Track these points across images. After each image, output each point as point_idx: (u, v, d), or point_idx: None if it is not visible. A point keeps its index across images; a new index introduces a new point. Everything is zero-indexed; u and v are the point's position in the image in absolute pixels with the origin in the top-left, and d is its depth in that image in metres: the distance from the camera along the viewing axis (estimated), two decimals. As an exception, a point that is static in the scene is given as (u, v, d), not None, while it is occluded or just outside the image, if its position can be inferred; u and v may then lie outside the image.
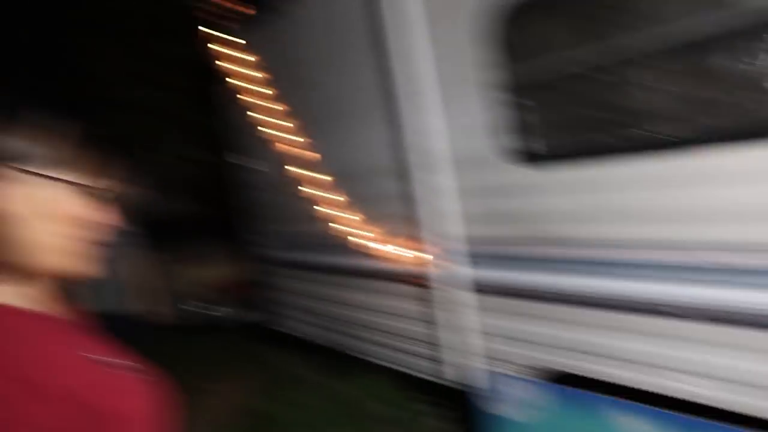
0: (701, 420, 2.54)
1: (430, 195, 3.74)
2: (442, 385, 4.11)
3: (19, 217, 1.03)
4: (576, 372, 3.18)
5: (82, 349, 1.10)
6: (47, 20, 10.80)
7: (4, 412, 0.90)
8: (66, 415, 0.96)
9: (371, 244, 4.47)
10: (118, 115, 9.44)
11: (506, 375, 3.34)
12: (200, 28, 6.12)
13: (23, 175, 1.03)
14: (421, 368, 4.24)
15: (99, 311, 4.18)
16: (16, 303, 1.04)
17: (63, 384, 0.98)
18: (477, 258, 3.68)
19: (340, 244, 4.82)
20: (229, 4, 5.70)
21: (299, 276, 5.65)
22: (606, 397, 2.87)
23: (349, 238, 4.65)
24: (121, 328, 4.31)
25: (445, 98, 3.57)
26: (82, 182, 1.08)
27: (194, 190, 10.61)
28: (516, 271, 3.44)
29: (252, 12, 5.40)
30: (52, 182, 1.05)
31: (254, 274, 6.27)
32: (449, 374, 4.01)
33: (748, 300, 2.46)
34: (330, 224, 4.88)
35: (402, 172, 3.95)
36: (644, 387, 2.89)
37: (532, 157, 3.21)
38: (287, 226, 5.59)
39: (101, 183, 1.11)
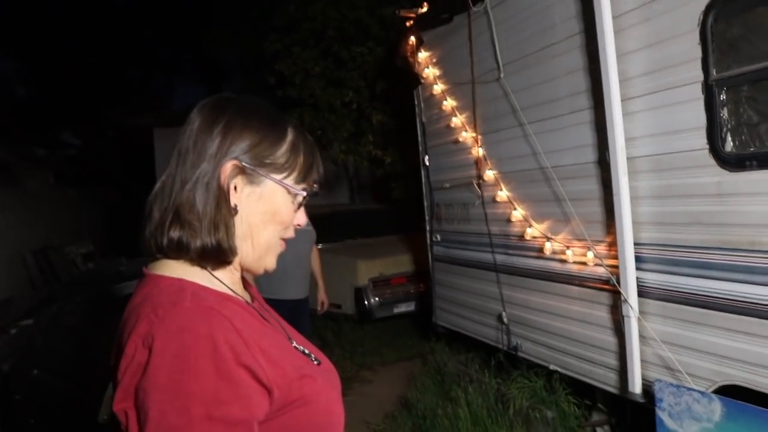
0: None
1: (618, 197, 3.59)
2: (605, 391, 3.93)
3: (254, 215, 1.16)
4: (758, 388, 2.90)
5: (288, 338, 1.22)
6: (252, 28, 11.72)
7: (231, 394, 0.96)
8: (273, 401, 1.03)
9: (537, 243, 4.40)
10: (316, 119, 10.04)
11: (673, 385, 3.13)
12: (397, 33, 6.35)
13: (266, 180, 1.16)
14: (586, 372, 4.08)
15: (282, 299, 4.52)
16: (231, 293, 1.15)
17: (281, 373, 1.06)
18: (644, 261, 3.51)
19: (512, 244, 4.77)
20: (426, 10, 5.86)
21: (459, 272, 5.68)
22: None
23: (523, 237, 4.59)
24: (296, 316, 4.58)
25: (656, 102, 3.43)
26: (296, 188, 1.20)
27: (379, 185, 10.97)
28: (694, 277, 3.22)
29: (448, 17, 5.50)
30: (281, 187, 1.18)
31: (428, 269, 6.38)
32: (611, 380, 3.83)
33: None
34: (503, 223, 4.85)
35: (600, 175, 3.85)
36: None
37: (732, 159, 3.01)
38: (462, 224, 5.63)
39: (306, 188, 1.22)
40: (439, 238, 6.09)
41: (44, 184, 14.08)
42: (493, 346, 5.15)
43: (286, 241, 1.26)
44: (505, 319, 4.88)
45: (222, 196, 1.11)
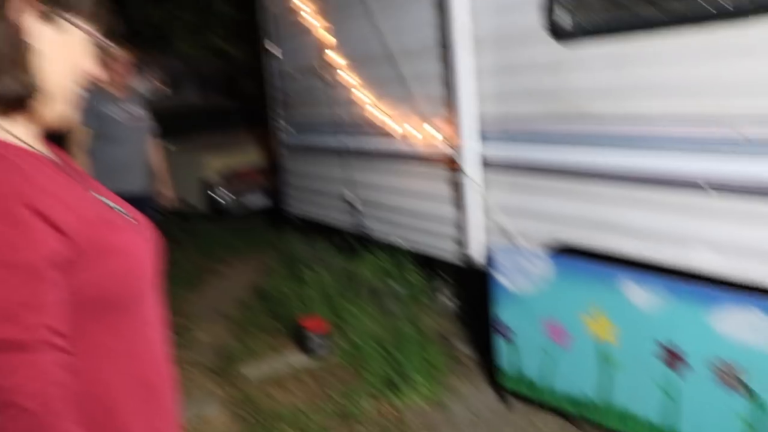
0: (702, 286, 2.53)
1: (460, 74, 3.67)
2: (452, 263, 4.14)
3: (46, 56, 1.05)
4: (582, 244, 3.18)
5: (88, 188, 1.14)
6: None
7: (16, 236, 0.88)
8: (73, 246, 0.96)
9: (385, 124, 4.45)
10: (157, 10, 9.41)
11: (511, 248, 3.35)
12: None
13: (59, 19, 1.06)
14: (431, 246, 4.27)
15: (122, 192, 4.30)
16: (23, 144, 1.05)
17: (79, 219, 0.98)
18: (488, 134, 3.65)
19: (359, 127, 4.80)
20: None
21: (314, 159, 5.68)
22: (609, 266, 2.85)
23: (370, 120, 4.62)
24: (141, 209, 4.41)
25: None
26: (95, 36, 1.12)
27: (228, 80, 10.61)
28: (526, 147, 3.41)
29: None
30: (77, 30, 1.09)
31: (278, 160, 6.32)
32: (455, 250, 4.02)
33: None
34: (350, 107, 4.85)
35: (442, 53, 3.88)
36: (649, 258, 2.87)
37: (565, 33, 3.13)
38: (310, 111, 5.59)
39: (107, 41, 1.16)
40: (288, 126, 6.02)
41: None
42: (343, 229, 5.25)
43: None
44: (353, 201, 4.96)
45: (16, 33, 1.01)
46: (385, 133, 4.50)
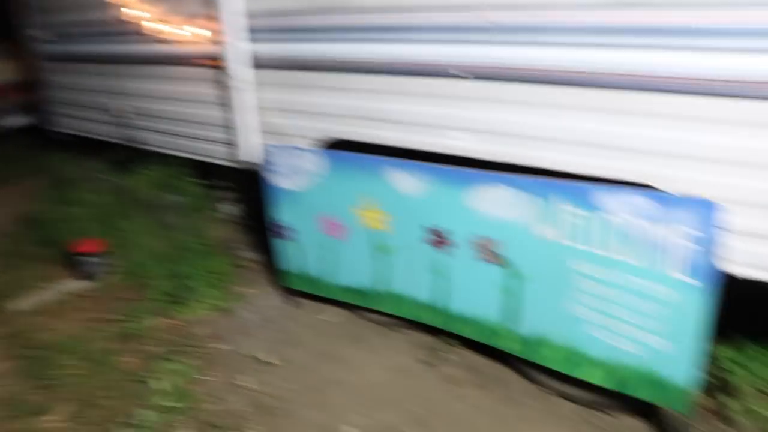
0: (459, 169, 2.65)
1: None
2: (227, 167, 4.04)
3: None
4: (352, 138, 3.19)
5: None
6: None
7: None
8: None
9: (152, 27, 4.13)
10: None
11: (285, 147, 3.28)
12: None
13: None
14: (206, 152, 4.12)
15: None
16: None
17: None
18: (257, 32, 3.51)
19: (124, 31, 4.41)
20: None
21: (79, 70, 5.17)
22: (377, 156, 2.91)
23: (135, 22, 4.26)
24: None
25: None
26: None
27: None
28: (294, 43, 3.31)
29: None
30: None
31: (33, 73, 5.69)
32: (231, 154, 3.92)
33: (519, 55, 2.52)
34: (113, 9, 4.42)
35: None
36: (413, 145, 2.95)
37: None
38: (65, 16, 5.05)
39: None
40: (46, 35, 5.39)
41: None
42: (116, 143, 4.89)
43: None
44: (123, 113, 4.61)
45: None
46: (151, 37, 4.17)
